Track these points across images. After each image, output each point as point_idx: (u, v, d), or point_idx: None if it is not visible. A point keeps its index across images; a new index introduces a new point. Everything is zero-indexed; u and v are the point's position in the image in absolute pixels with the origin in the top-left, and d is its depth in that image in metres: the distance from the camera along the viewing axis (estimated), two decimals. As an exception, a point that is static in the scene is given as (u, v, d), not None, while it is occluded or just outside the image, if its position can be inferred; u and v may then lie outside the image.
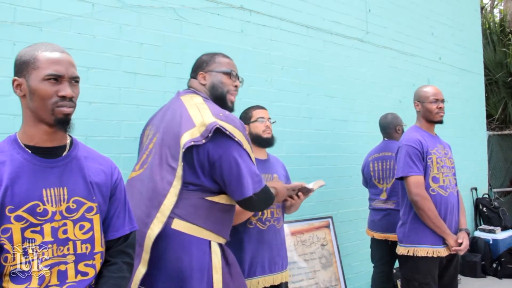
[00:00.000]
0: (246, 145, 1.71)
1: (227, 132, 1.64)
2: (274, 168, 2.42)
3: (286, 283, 2.45)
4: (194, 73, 1.92)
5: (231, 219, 1.84)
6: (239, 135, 1.68)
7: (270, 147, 2.42)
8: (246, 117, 2.42)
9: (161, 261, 1.65)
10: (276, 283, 2.30)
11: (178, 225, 1.66)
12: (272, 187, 1.92)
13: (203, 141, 1.63)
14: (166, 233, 1.65)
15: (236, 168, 1.66)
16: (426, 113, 2.64)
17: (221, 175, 1.68)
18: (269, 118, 2.43)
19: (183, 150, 1.64)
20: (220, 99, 1.84)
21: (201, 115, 1.68)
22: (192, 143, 1.64)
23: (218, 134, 1.65)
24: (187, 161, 1.67)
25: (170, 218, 1.65)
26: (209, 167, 1.68)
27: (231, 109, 1.87)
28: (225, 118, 1.68)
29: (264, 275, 2.23)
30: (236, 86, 1.88)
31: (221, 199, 1.74)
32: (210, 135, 1.63)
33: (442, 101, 2.64)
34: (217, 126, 1.63)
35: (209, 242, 1.70)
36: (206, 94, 1.85)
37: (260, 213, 2.26)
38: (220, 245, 1.75)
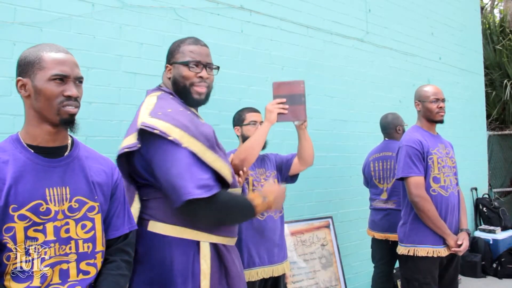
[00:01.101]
0: (190, 142, 1.47)
1: (156, 131, 1.45)
2: (266, 163, 2.48)
3: (286, 283, 2.45)
4: (166, 65, 1.74)
5: None
6: (176, 133, 1.46)
7: (262, 150, 2.45)
8: (239, 119, 2.45)
9: (142, 268, 1.52)
10: (276, 275, 2.31)
11: (154, 227, 1.53)
12: (260, 196, 1.62)
13: (139, 145, 1.50)
14: (143, 237, 1.52)
15: (166, 171, 1.45)
16: (427, 113, 2.64)
17: (158, 179, 1.48)
18: (262, 122, 2.44)
19: (116, 158, 1.53)
20: (183, 94, 1.65)
21: (143, 116, 1.53)
22: (125, 149, 1.51)
23: (148, 135, 1.49)
24: (134, 169, 1.55)
25: (145, 221, 1.53)
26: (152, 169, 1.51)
27: (198, 102, 1.67)
28: (163, 116, 1.49)
29: (263, 266, 2.25)
30: (201, 77, 1.64)
31: None
32: (139, 138, 1.50)
33: (443, 100, 2.63)
34: (141, 127, 1.48)
35: (197, 243, 1.53)
36: (172, 89, 1.68)
37: None
38: (214, 245, 1.57)
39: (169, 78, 1.69)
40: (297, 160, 2.47)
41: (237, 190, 1.70)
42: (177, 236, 1.52)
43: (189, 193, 1.41)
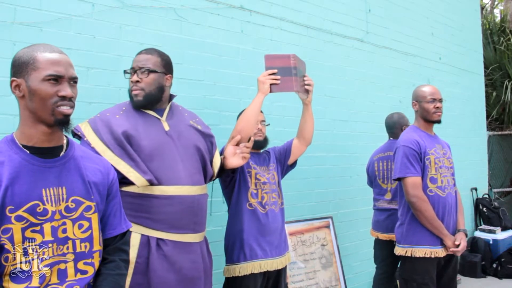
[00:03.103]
0: (95, 142, 1.73)
1: (79, 133, 1.77)
2: (267, 159, 2.50)
3: (286, 283, 2.46)
4: None
5: (161, 209, 1.78)
6: (90, 135, 1.75)
7: (262, 149, 2.46)
8: None
9: None
10: (280, 267, 2.33)
11: None
12: None
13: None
14: None
15: None
16: (424, 113, 2.64)
17: None
18: (263, 121, 2.45)
19: None
20: (129, 98, 1.91)
21: None
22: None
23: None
24: None
25: None
26: None
27: (137, 104, 1.87)
28: (91, 120, 1.81)
29: (266, 258, 2.26)
30: (132, 82, 1.88)
31: (130, 188, 1.76)
32: (77, 137, 1.79)
33: (440, 100, 2.63)
34: (72, 128, 1.74)
35: (129, 233, 1.69)
36: None
37: (260, 196, 2.31)
38: (147, 239, 1.73)
39: None
40: (297, 141, 2.53)
41: (180, 188, 1.82)
42: None
43: None
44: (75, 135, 1.79)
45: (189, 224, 1.84)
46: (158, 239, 1.75)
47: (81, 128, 1.77)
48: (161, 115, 1.91)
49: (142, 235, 1.73)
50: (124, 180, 1.73)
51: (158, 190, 1.77)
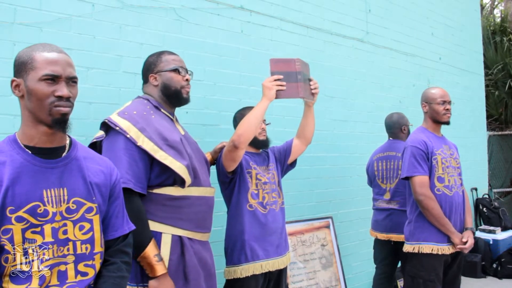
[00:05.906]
0: (144, 142, 1.69)
1: (117, 128, 1.69)
2: (267, 160, 2.49)
3: (287, 284, 2.45)
4: (145, 77, 1.95)
5: (191, 210, 1.82)
6: (134, 132, 1.68)
7: (265, 148, 2.46)
8: (241, 117, 2.44)
9: None
10: (282, 267, 2.33)
11: None
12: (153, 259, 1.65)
13: (104, 136, 1.76)
14: None
15: (114, 156, 1.65)
16: (433, 114, 2.69)
17: None
18: (264, 120, 2.44)
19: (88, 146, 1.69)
20: (175, 96, 1.90)
21: (112, 114, 1.79)
22: (94, 140, 1.80)
23: (110, 129, 1.73)
24: None
25: None
26: None
27: (186, 100, 1.94)
28: (127, 116, 1.73)
29: (267, 258, 2.26)
30: (187, 80, 1.92)
31: (165, 190, 1.76)
32: (103, 129, 1.77)
33: (449, 102, 2.70)
34: (105, 120, 1.73)
35: (160, 234, 1.73)
36: (159, 94, 1.90)
37: (261, 197, 2.31)
38: (179, 237, 1.76)
39: (156, 86, 1.90)
40: (297, 140, 2.53)
41: (204, 189, 1.89)
42: None
43: (125, 183, 1.63)
44: (102, 126, 1.77)
45: (209, 223, 1.94)
46: (188, 238, 1.80)
47: (119, 123, 1.69)
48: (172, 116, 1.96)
49: (173, 235, 1.76)
50: (165, 183, 1.75)
51: (191, 191, 1.82)
